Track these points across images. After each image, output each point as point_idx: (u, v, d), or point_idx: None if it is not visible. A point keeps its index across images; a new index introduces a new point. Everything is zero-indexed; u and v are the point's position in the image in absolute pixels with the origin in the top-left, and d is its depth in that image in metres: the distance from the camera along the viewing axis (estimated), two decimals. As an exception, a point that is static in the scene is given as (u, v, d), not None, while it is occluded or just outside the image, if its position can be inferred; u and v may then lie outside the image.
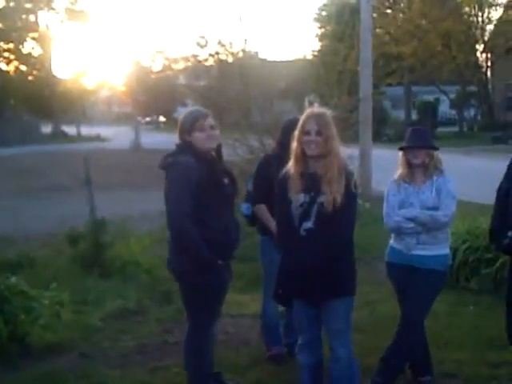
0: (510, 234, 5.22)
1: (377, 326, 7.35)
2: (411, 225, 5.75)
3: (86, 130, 60.13)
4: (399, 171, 5.97)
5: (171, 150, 5.51)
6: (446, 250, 5.92)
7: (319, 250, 4.88)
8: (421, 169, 5.87)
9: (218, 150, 5.52)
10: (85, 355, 6.99)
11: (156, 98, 62.57)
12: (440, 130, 47.37)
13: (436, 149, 5.94)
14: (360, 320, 6.15)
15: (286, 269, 5.04)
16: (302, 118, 5.03)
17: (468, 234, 9.13)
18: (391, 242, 6.02)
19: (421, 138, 5.91)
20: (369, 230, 10.00)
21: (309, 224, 4.93)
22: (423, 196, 5.81)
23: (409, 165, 5.89)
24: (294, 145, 5.01)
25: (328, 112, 5.05)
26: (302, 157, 4.98)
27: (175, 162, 5.33)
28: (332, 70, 47.48)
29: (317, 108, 5.17)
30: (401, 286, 5.97)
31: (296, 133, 5.02)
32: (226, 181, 5.44)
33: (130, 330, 7.70)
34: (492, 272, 8.48)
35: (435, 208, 5.76)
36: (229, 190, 5.46)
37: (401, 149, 5.96)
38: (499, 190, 5.55)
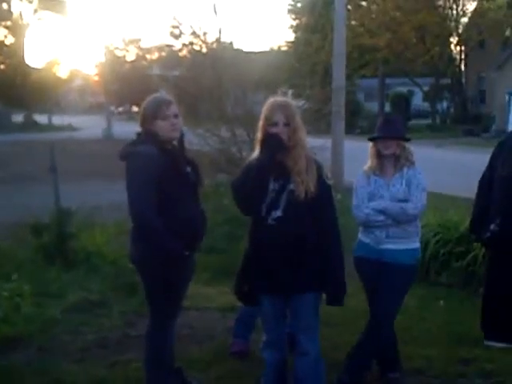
0: (492, 227, 5.10)
1: (346, 321, 7.23)
2: (381, 217, 5.64)
3: (58, 120, 59.83)
4: (369, 162, 5.86)
5: (131, 140, 5.33)
6: (416, 244, 5.82)
7: (288, 239, 4.77)
8: (391, 160, 5.74)
9: (181, 138, 5.35)
10: (43, 349, 6.80)
11: (129, 87, 62.33)
12: (413, 122, 47.66)
13: (407, 140, 5.82)
14: (329, 314, 6.02)
15: (254, 259, 4.92)
16: (267, 107, 4.90)
17: (439, 226, 9.04)
18: (360, 235, 5.90)
19: (392, 129, 5.78)
20: (340, 221, 9.89)
21: (278, 213, 4.79)
22: (393, 188, 5.69)
23: (379, 156, 5.76)
24: (260, 135, 4.88)
25: (293, 102, 4.95)
26: None
27: (135, 152, 5.14)
28: (306, 62, 47.56)
29: (280, 98, 5.04)
30: (369, 281, 5.85)
31: (261, 123, 4.89)
32: (188, 169, 5.27)
33: (91, 322, 7.52)
34: (463, 266, 8.38)
35: (405, 200, 5.65)
36: (192, 179, 5.29)
37: (371, 139, 5.84)
38: (481, 182, 5.47)
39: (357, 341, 5.88)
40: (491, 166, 5.34)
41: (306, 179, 4.76)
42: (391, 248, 5.68)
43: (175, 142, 5.31)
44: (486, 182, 5.33)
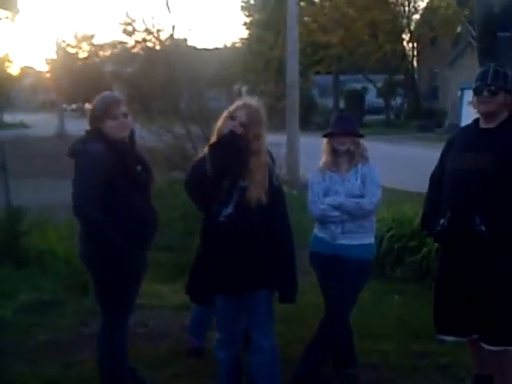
0: (441, 221, 5.12)
1: (301, 317, 7.19)
2: (336, 213, 5.65)
3: (9, 117, 59.14)
4: (323, 159, 5.87)
5: (80, 137, 5.27)
6: (372, 239, 5.87)
7: (239, 237, 4.76)
8: (346, 156, 5.77)
9: (131, 136, 5.32)
10: (-6, 350, 6.70)
11: (82, 84, 61.89)
12: (367, 118, 47.90)
13: (361, 136, 5.85)
14: (284, 310, 6.00)
15: (206, 257, 4.90)
16: (237, 103, 4.92)
17: (393, 221, 9.08)
18: (315, 230, 5.90)
19: (346, 125, 5.81)
20: (295, 217, 9.87)
21: (229, 210, 4.77)
22: (349, 184, 5.72)
23: (334, 152, 5.78)
24: (218, 127, 4.87)
25: (263, 111, 4.91)
26: None
27: (83, 150, 5.09)
28: (259, 58, 47.65)
29: (254, 101, 5.01)
30: (325, 276, 5.86)
31: (223, 115, 4.88)
32: (138, 168, 5.23)
33: (43, 322, 7.43)
34: (417, 260, 8.42)
35: (361, 196, 5.68)
36: (142, 177, 5.25)
37: (325, 136, 5.85)
38: (432, 178, 5.47)
39: (312, 336, 5.88)
40: (441, 162, 5.38)
41: (260, 182, 4.76)
42: (347, 243, 5.69)
43: (126, 140, 5.26)
44: (437, 179, 5.37)
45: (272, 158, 5.17)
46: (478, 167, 4.95)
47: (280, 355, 5.17)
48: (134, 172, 5.17)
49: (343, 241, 5.70)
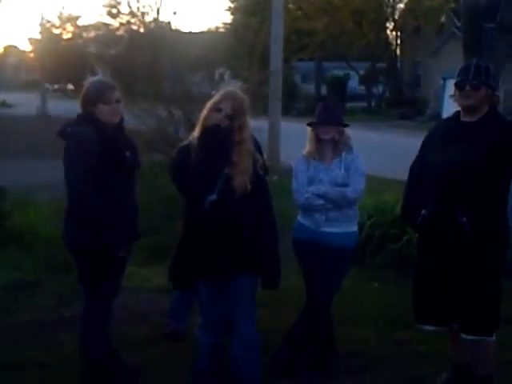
0: (423, 212, 5.21)
1: (281, 302, 7.26)
2: (321, 201, 5.70)
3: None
4: (307, 147, 5.92)
5: (72, 119, 5.34)
6: (355, 228, 5.94)
7: (223, 224, 4.83)
8: (330, 145, 5.82)
9: (121, 122, 5.38)
10: (-27, 331, 6.70)
11: (65, 65, 61.67)
12: (349, 104, 47.94)
13: (346, 126, 5.91)
14: (264, 295, 6.05)
15: (190, 243, 4.96)
16: (220, 93, 4.99)
17: (374, 208, 9.13)
18: (299, 217, 5.96)
19: (332, 114, 5.87)
20: (276, 203, 9.90)
21: (213, 196, 4.80)
22: (333, 173, 5.77)
23: (318, 140, 5.83)
24: (203, 117, 4.94)
25: (247, 100, 4.98)
26: None
27: (74, 133, 5.16)
28: (243, 43, 47.45)
29: (237, 91, 5.11)
30: (307, 263, 5.92)
31: (208, 106, 4.94)
32: (127, 153, 5.29)
33: (24, 302, 7.43)
34: (397, 248, 8.49)
35: (345, 184, 5.74)
36: (129, 163, 5.31)
37: (310, 124, 5.89)
38: (412, 168, 5.56)
39: (293, 322, 5.94)
40: (421, 153, 5.46)
41: (245, 171, 4.83)
42: (330, 231, 5.75)
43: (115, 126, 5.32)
44: (417, 170, 5.46)
45: (258, 146, 5.25)
46: (459, 160, 5.03)
47: (262, 339, 5.22)
48: (123, 157, 5.22)
49: (327, 229, 5.75)
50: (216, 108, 4.87)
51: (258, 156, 5.01)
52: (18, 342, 6.44)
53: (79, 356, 5.52)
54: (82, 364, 5.48)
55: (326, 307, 5.94)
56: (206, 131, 4.88)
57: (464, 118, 5.20)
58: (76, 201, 5.11)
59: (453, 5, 37.41)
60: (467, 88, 5.09)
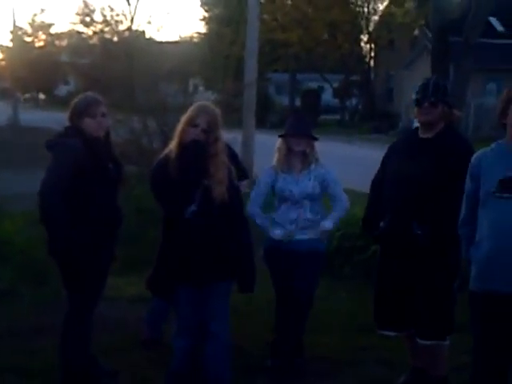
0: (381, 224, 5.45)
1: (252, 311, 7.47)
2: (260, 221, 6.08)
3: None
4: (277, 158, 6.12)
5: (58, 131, 5.59)
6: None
7: (204, 233, 5.06)
8: (300, 157, 6.04)
9: (107, 135, 5.62)
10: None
11: (37, 74, 61.14)
12: (322, 117, 48.04)
13: (316, 139, 6.13)
14: (235, 304, 6.21)
15: (171, 252, 5.16)
16: (193, 108, 5.18)
17: (342, 222, 9.27)
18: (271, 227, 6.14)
19: (304, 127, 6.09)
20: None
21: (193, 208, 5.03)
22: (302, 184, 6.00)
23: (288, 152, 6.04)
24: (179, 135, 5.12)
25: (219, 111, 5.20)
26: None
27: (61, 142, 5.39)
28: (218, 55, 47.48)
29: (208, 104, 5.38)
30: (281, 271, 6.15)
31: (183, 121, 5.14)
32: (110, 166, 5.51)
33: (2, 312, 7.55)
34: (364, 259, 8.68)
35: (314, 194, 6.00)
36: (112, 175, 5.54)
37: (282, 136, 6.09)
38: (374, 181, 5.79)
39: (277, 328, 6.24)
40: (382, 167, 5.68)
41: (222, 181, 5.04)
42: (303, 238, 6.00)
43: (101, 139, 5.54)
44: (378, 183, 5.69)
45: (234, 154, 5.52)
46: (416, 174, 5.27)
47: (234, 345, 5.45)
48: (106, 170, 5.44)
49: (299, 236, 6.00)
50: (192, 123, 5.08)
51: (232, 167, 5.24)
52: (0, 349, 6.56)
53: (59, 362, 5.66)
54: (62, 369, 5.63)
55: (310, 306, 6.22)
56: (184, 147, 5.07)
57: (422, 134, 5.44)
58: (41, 201, 5.26)
59: (422, 21, 37.71)
60: (426, 105, 5.33)
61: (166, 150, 5.22)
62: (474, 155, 4.62)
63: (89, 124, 5.44)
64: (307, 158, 6.05)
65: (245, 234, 5.24)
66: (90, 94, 5.76)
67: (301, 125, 6.10)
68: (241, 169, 6.34)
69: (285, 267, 6.09)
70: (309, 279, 6.14)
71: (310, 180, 6.01)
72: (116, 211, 5.63)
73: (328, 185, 6.08)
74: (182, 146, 5.08)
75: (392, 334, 5.70)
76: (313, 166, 6.06)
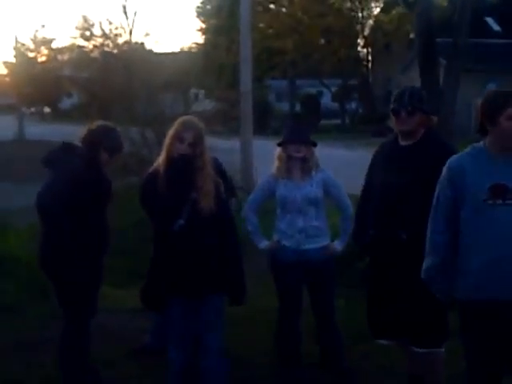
0: (371, 232, 5.46)
1: (252, 320, 7.55)
2: (250, 228, 6.19)
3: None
4: (277, 165, 6.16)
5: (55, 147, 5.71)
6: (329, 239, 6.25)
7: (192, 246, 5.13)
8: (299, 163, 6.07)
9: None
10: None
11: (41, 88, 61.26)
12: (322, 122, 47.89)
13: (315, 144, 6.17)
14: (235, 313, 6.31)
15: (160, 265, 5.23)
16: (178, 123, 5.27)
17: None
18: (276, 237, 6.21)
19: (303, 133, 6.13)
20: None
21: (181, 221, 5.10)
22: (304, 189, 6.04)
23: (288, 159, 6.08)
24: (167, 149, 5.23)
25: (202, 124, 5.32)
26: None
27: (63, 161, 5.56)
28: (214, 64, 47.55)
29: (192, 118, 5.46)
30: (292, 282, 6.18)
31: (170, 135, 5.24)
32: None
33: (5, 325, 7.66)
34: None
35: (316, 199, 6.04)
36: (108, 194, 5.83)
37: (281, 143, 6.13)
38: (362, 190, 5.79)
39: (279, 336, 6.31)
40: (369, 176, 5.68)
41: (209, 193, 5.14)
42: (312, 247, 6.06)
43: None
44: (365, 192, 5.66)
45: (221, 169, 5.63)
46: (398, 182, 5.23)
47: (230, 356, 5.55)
48: (110, 193, 5.73)
49: (308, 246, 6.05)
50: (179, 138, 5.18)
51: (219, 180, 5.34)
52: (2, 363, 6.68)
53: (59, 374, 5.80)
54: (63, 381, 5.76)
55: (334, 314, 6.34)
56: (171, 162, 5.17)
57: (402, 142, 5.41)
58: (52, 225, 5.44)
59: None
60: (402, 114, 5.28)
61: (155, 164, 5.31)
62: (453, 161, 4.51)
63: (105, 159, 5.73)
64: (307, 164, 6.07)
65: (233, 246, 5.32)
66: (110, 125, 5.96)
67: (299, 131, 6.13)
68: (229, 187, 6.34)
69: (295, 277, 6.12)
70: (327, 289, 6.26)
71: (312, 186, 6.05)
72: (107, 228, 5.81)
73: (330, 189, 6.13)
74: (170, 161, 5.18)
75: (386, 342, 5.68)
76: (313, 172, 6.09)
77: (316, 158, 6.17)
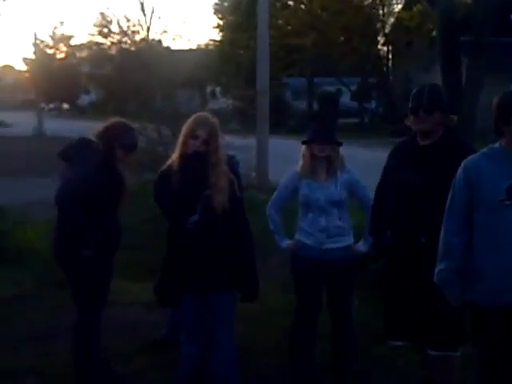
0: (388, 233, 5.41)
1: (263, 318, 7.58)
2: (272, 227, 6.24)
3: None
4: (301, 163, 6.15)
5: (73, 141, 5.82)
6: (352, 239, 6.23)
7: (206, 242, 5.18)
8: (324, 163, 6.06)
9: None
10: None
11: (60, 84, 61.52)
12: (341, 121, 47.67)
13: (340, 144, 6.15)
14: (247, 311, 6.37)
15: (175, 261, 5.26)
16: (193, 120, 5.31)
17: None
18: (297, 236, 6.23)
19: (327, 132, 6.12)
20: (262, 221, 10.12)
21: (195, 217, 5.14)
22: (328, 191, 6.03)
23: (312, 158, 6.06)
24: (181, 146, 5.27)
25: (216, 121, 5.34)
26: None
27: (82, 156, 5.67)
28: (231, 61, 47.49)
29: (206, 114, 5.49)
30: (312, 280, 6.19)
31: (184, 133, 5.27)
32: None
33: (23, 315, 7.80)
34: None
35: (340, 201, 6.04)
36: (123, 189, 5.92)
37: (306, 142, 6.11)
38: (377, 189, 5.73)
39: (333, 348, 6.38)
40: (384, 175, 5.62)
41: (223, 190, 5.18)
42: (333, 247, 6.05)
43: None
44: (380, 191, 5.62)
45: (235, 166, 5.70)
46: (417, 183, 5.16)
47: (242, 353, 5.58)
48: (123, 190, 5.82)
49: (329, 245, 6.05)
50: (193, 135, 5.20)
51: (233, 177, 5.36)
52: (17, 351, 6.81)
53: (73, 365, 5.90)
54: (76, 372, 5.88)
55: (352, 316, 6.38)
56: (186, 159, 5.20)
57: (420, 142, 5.30)
58: (67, 219, 5.57)
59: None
60: (421, 113, 5.19)
61: (168, 162, 5.33)
62: (470, 162, 4.50)
63: (123, 155, 5.83)
64: (332, 165, 6.07)
65: (247, 243, 5.34)
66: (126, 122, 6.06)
67: (324, 130, 6.12)
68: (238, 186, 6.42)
69: (314, 276, 6.14)
70: (346, 289, 6.29)
71: (336, 187, 6.03)
72: (119, 223, 5.93)
73: (355, 190, 6.13)
74: (184, 158, 5.21)
75: (401, 343, 5.63)
76: (338, 172, 6.07)
77: (342, 158, 6.17)
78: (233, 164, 5.92)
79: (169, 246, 5.34)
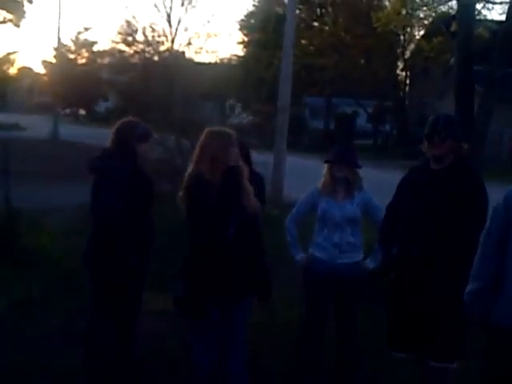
0: (394, 250, 5.67)
1: (275, 328, 7.66)
2: (289, 239, 6.43)
3: (3, 118, 58.66)
4: (323, 181, 6.39)
5: (109, 152, 5.84)
6: (362, 255, 6.42)
7: (241, 253, 5.28)
8: (343, 183, 6.30)
9: None
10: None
11: (78, 90, 61.80)
12: (356, 141, 47.92)
13: (359, 167, 6.38)
14: (259, 321, 6.45)
15: (209, 273, 5.24)
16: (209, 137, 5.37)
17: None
18: (311, 250, 6.43)
19: (347, 155, 6.33)
20: (276, 235, 10.22)
21: (232, 230, 5.23)
22: (344, 208, 6.26)
23: (333, 177, 6.31)
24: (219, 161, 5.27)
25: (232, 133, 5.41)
26: None
27: (110, 168, 5.72)
28: (253, 77, 47.77)
29: (226, 130, 5.53)
30: (321, 294, 6.36)
31: (226, 146, 5.28)
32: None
33: (36, 318, 7.87)
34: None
35: (354, 219, 6.27)
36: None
37: (327, 162, 6.37)
38: (388, 208, 5.96)
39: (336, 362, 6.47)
40: (397, 195, 5.88)
41: (252, 200, 5.29)
42: (345, 262, 6.25)
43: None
44: (392, 210, 5.85)
45: (262, 183, 5.86)
46: (428, 204, 5.47)
47: (249, 363, 5.66)
48: (151, 191, 5.93)
49: (342, 260, 6.25)
50: (235, 144, 5.29)
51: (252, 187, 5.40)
52: (31, 353, 6.88)
53: (85, 366, 5.99)
54: (87, 374, 5.96)
55: (357, 332, 6.47)
56: (225, 173, 5.20)
57: (433, 166, 5.62)
58: (111, 228, 5.64)
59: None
60: (435, 140, 5.52)
61: (192, 174, 5.32)
62: (511, 192, 4.64)
63: (144, 149, 5.87)
64: (351, 186, 6.32)
65: (263, 253, 5.58)
66: (139, 121, 6.07)
67: (344, 153, 6.35)
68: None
69: (324, 289, 6.31)
70: (354, 304, 6.42)
71: (352, 205, 6.27)
72: (154, 226, 6.02)
73: (369, 210, 6.34)
74: (222, 172, 5.19)
75: (402, 355, 5.81)
76: (356, 193, 6.32)
77: (360, 180, 6.41)
78: (260, 179, 6.06)
79: (198, 258, 5.30)
